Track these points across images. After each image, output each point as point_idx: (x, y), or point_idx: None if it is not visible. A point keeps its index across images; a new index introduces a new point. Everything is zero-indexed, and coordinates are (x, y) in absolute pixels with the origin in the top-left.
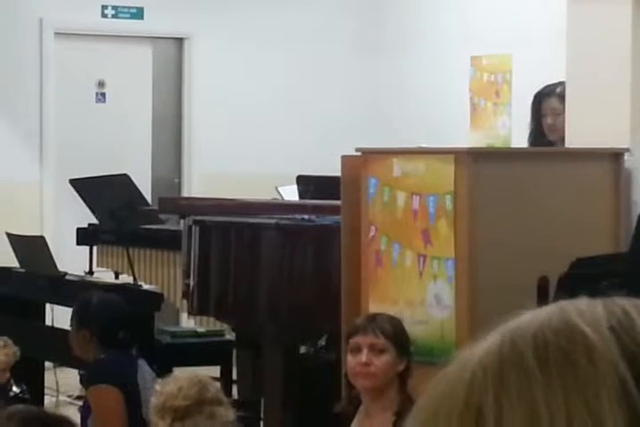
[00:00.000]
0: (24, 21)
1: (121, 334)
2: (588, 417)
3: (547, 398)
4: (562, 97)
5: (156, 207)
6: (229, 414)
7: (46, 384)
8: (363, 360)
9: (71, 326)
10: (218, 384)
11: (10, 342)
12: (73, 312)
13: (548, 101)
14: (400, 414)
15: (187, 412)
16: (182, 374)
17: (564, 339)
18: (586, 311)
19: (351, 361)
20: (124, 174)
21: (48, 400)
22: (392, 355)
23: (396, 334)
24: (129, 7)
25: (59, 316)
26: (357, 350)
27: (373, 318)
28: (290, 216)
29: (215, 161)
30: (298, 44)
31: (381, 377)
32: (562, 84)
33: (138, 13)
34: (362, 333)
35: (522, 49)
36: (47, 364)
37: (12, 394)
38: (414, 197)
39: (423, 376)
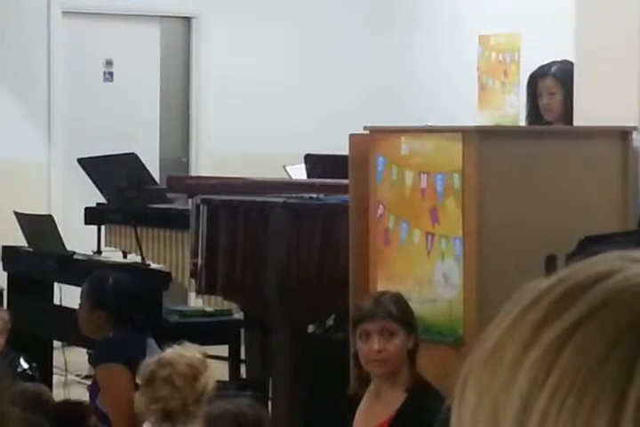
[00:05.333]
0: (32, 0)
1: (137, 314)
2: None
3: None
4: (557, 76)
5: (163, 186)
6: (182, 397)
7: (55, 364)
8: (375, 348)
9: (81, 305)
10: (189, 366)
11: (2, 309)
12: (86, 293)
13: (543, 81)
14: (411, 392)
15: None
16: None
17: None
18: None
19: (363, 348)
20: (132, 153)
21: (56, 380)
22: (402, 336)
23: (403, 314)
24: None
25: (67, 295)
26: (367, 336)
27: (378, 301)
28: (298, 195)
29: (223, 140)
30: (306, 22)
31: (395, 361)
32: (557, 63)
33: None
34: (369, 319)
35: (530, 28)
36: (56, 343)
37: (19, 370)
38: (422, 175)
39: (432, 355)
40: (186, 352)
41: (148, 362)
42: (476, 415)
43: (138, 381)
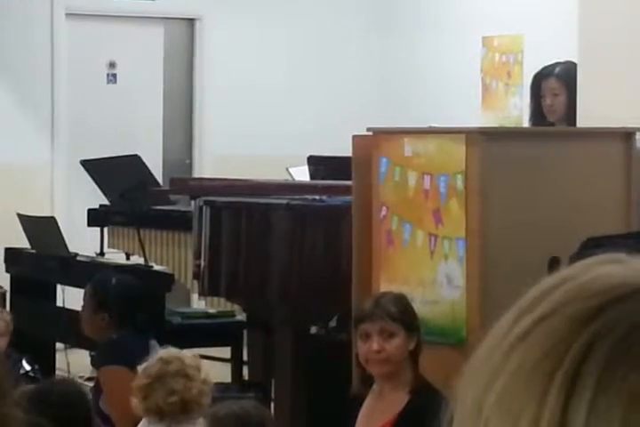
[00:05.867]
0: (36, 2)
1: (140, 316)
2: None
3: None
4: (560, 77)
5: (167, 188)
6: (197, 386)
7: (57, 365)
8: (374, 348)
9: (84, 307)
10: (192, 360)
11: (5, 311)
12: (90, 294)
13: (546, 82)
14: (414, 393)
15: (148, 389)
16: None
17: None
18: None
19: (362, 348)
20: (136, 155)
21: None
22: (402, 336)
23: (403, 315)
24: None
25: (70, 297)
26: (367, 336)
27: (378, 301)
28: (301, 197)
29: (226, 142)
30: (310, 24)
31: (395, 361)
32: (560, 64)
33: None
34: (369, 319)
35: (533, 29)
36: (58, 345)
37: (22, 372)
38: (425, 176)
39: (434, 357)
40: (176, 349)
41: (149, 363)
42: (461, 415)
43: (143, 380)
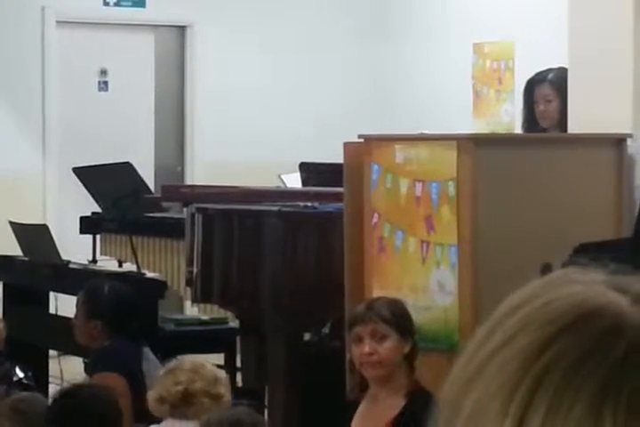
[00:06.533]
0: (26, 10)
1: (133, 323)
2: None
3: None
4: (553, 83)
5: (158, 195)
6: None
7: (51, 373)
8: (366, 350)
9: (77, 315)
10: (214, 371)
11: None
12: (82, 302)
13: (539, 88)
14: (410, 397)
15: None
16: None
17: None
18: None
19: (355, 351)
20: (127, 163)
21: (52, 389)
22: (394, 339)
23: (396, 318)
24: None
25: (62, 304)
26: (359, 339)
27: (370, 305)
28: (293, 203)
29: (218, 149)
30: (300, 31)
31: (387, 364)
32: (553, 70)
33: (140, 1)
34: (361, 322)
35: (524, 36)
36: (51, 352)
37: (15, 379)
38: (417, 183)
39: (427, 362)
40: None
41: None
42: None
43: (159, 373)
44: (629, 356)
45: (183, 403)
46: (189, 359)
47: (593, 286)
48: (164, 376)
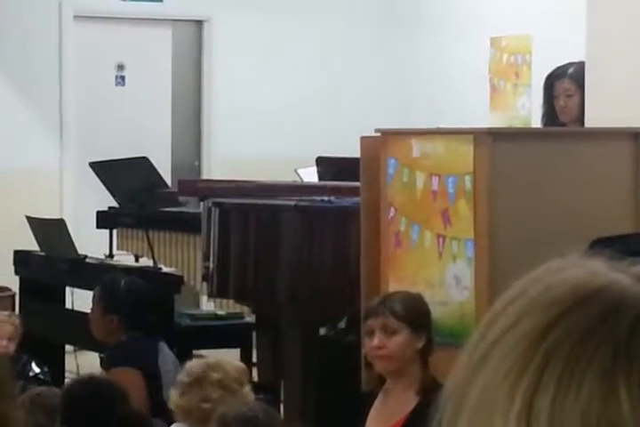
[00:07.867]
0: (44, 4)
1: (149, 318)
2: None
3: None
4: (574, 78)
5: (175, 190)
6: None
7: (67, 368)
8: (375, 344)
9: (93, 309)
10: (237, 372)
11: (14, 314)
12: (98, 297)
13: (559, 83)
14: (423, 393)
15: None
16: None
17: None
18: None
19: (367, 344)
20: (144, 157)
21: None
22: (405, 335)
23: (408, 313)
24: None
25: (79, 299)
26: (371, 333)
27: (385, 299)
28: (309, 198)
29: (235, 143)
30: (317, 25)
31: (397, 358)
32: (574, 64)
33: None
34: (373, 315)
35: (542, 29)
36: (68, 347)
37: (31, 374)
38: (433, 177)
39: (443, 358)
40: (227, 359)
41: (195, 363)
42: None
43: (184, 378)
44: (636, 328)
45: (207, 419)
46: (212, 363)
47: (594, 268)
48: (191, 384)
